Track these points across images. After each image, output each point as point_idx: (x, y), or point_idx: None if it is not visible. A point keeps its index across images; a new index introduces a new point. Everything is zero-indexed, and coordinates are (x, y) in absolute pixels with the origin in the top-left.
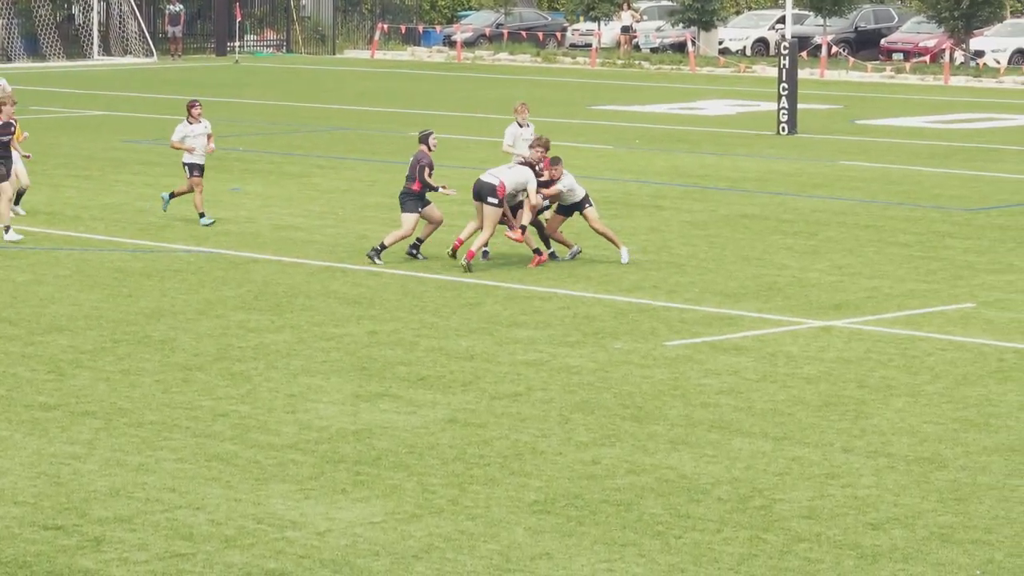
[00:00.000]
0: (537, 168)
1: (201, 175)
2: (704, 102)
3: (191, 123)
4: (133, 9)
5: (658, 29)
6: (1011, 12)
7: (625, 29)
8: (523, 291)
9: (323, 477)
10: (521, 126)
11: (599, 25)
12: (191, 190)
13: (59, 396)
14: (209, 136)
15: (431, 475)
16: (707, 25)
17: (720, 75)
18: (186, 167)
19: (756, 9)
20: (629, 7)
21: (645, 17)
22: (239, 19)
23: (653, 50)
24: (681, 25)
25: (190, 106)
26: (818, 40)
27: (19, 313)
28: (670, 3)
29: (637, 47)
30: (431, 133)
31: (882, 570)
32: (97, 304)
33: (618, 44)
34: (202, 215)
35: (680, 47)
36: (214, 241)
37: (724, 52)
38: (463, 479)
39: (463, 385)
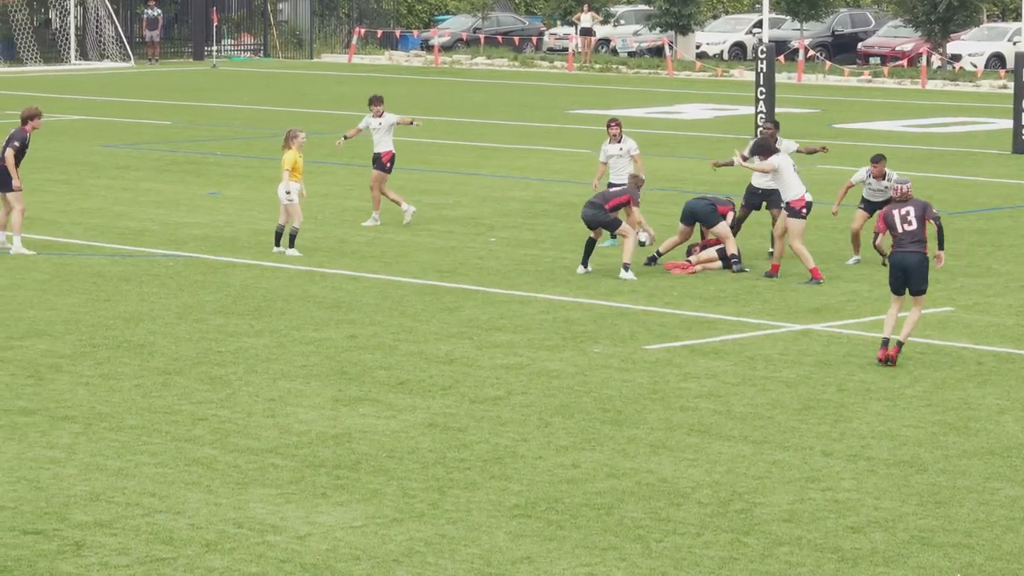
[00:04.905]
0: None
1: None
2: (682, 106)
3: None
4: (110, 13)
5: (635, 33)
6: (987, 16)
7: (585, 31)
8: (502, 295)
9: (303, 481)
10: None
11: (576, 29)
12: None
13: (38, 401)
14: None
15: (411, 479)
16: (684, 29)
17: (697, 79)
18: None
19: (733, 13)
20: (590, 8)
21: (623, 21)
22: (216, 23)
23: (631, 54)
24: (658, 29)
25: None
26: (795, 44)
27: None
28: (647, 7)
29: (615, 51)
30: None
31: (862, 573)
32: (75, 309)
33: (579, 48)
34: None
35: (657, 51)
36: (192, 246)
37: (701, 56)
38: (443, 483)
39: (443, 389)
